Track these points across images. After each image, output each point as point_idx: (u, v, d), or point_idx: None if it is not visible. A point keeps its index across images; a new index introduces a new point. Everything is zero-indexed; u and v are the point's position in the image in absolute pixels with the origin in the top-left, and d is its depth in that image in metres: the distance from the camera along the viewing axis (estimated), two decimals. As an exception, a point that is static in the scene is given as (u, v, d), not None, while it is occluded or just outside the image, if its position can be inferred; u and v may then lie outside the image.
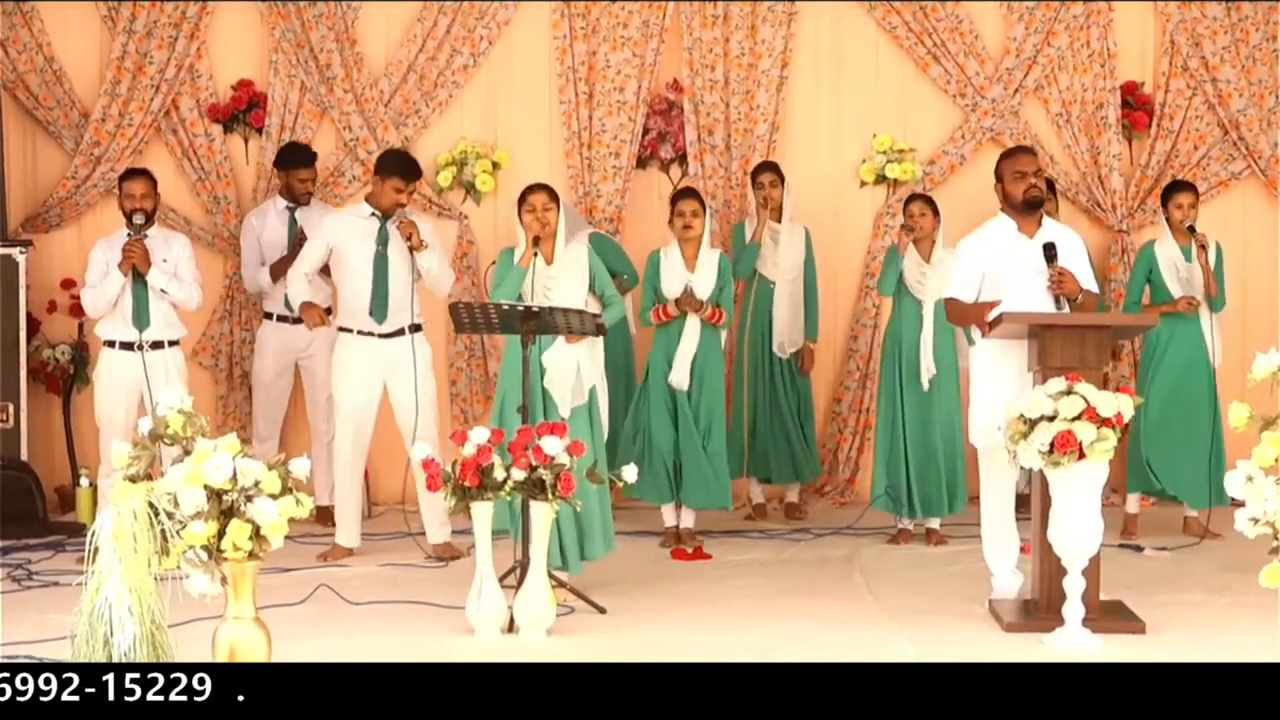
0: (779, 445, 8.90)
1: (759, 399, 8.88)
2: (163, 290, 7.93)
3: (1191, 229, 8.28)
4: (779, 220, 8.91)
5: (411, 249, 7.83)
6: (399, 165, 8.03)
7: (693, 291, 8.14)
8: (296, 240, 8.74)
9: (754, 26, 9.59)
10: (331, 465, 8.62)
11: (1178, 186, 8.53)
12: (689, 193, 8.42)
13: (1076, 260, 6.83)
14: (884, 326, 9.30)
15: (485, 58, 9.61)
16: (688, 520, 8.34)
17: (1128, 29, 9.71)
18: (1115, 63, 9.64)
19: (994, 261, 6.85)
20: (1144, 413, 8.08)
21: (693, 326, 8.17)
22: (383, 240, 7.93)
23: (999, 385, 6.68)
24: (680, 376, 8.13)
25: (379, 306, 7.91)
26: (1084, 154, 9.62)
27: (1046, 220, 6.96)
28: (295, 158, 9.01)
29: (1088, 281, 6.84)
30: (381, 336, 7.95)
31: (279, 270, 8.78)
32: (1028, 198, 6.86)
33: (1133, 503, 8.49)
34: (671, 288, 8.23)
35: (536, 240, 7.19)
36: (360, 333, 7.97)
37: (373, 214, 7.99)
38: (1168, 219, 8.40)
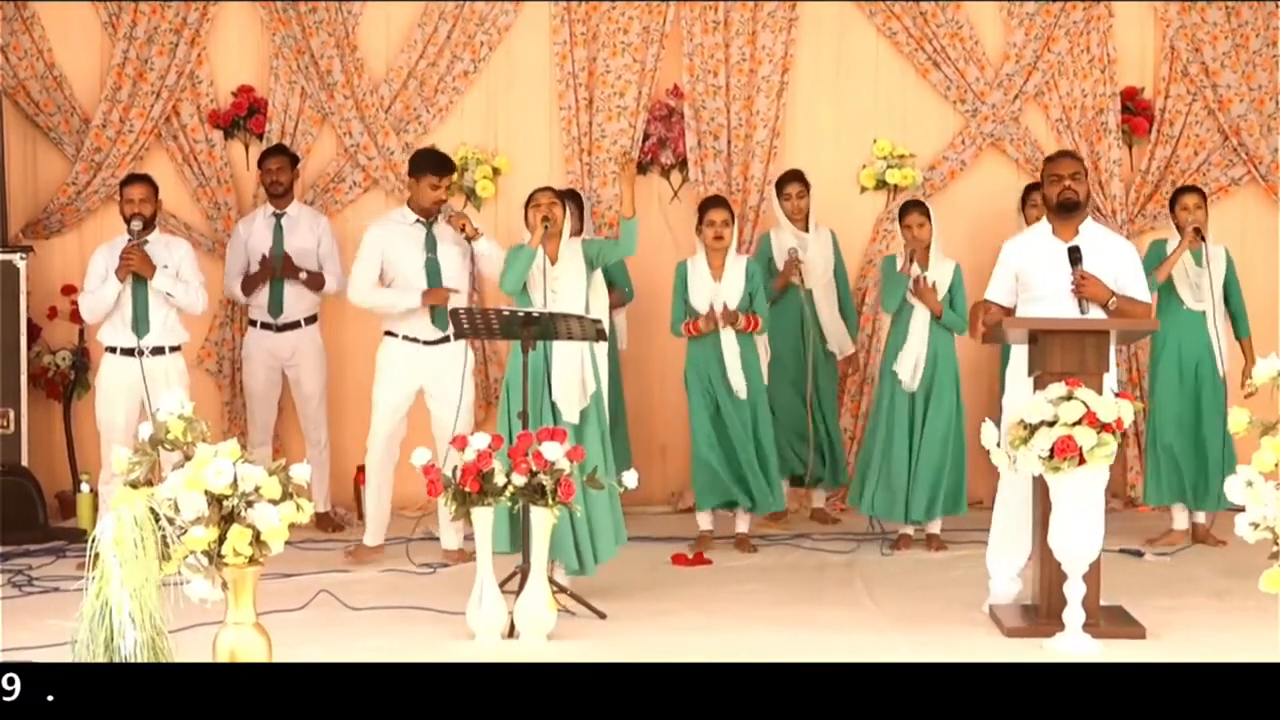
0: (825, 449, 8.96)
1: (815, 406, 8.89)
2: (168, 294, 7.95)
3: (1197, 231, 8.24)
4: (806, 228, 8.92)
5: (469, 239, 7.89)
6: (430, 162, 8.10)
7: (726, 308, 8.18)
8: (263, 261, 8.78)
9: (754, 32, 9.60)
10: (327, 471, 8.69)
11: (1184, 190, 8.54)
12: (719, 202, 8.39)
13: (1120, 267, 6.76)
14: (880, 334, 9.34)
15: (485, 63, 9.62)
16: (743, 525, 8.35)
17: (1128, 34, 9.72)
18: (1115, 68, 9.65)
19: (1025, 264, 6.82)
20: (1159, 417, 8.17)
21: (729, 337, 8.19)
22: (431, 246, 8.00)
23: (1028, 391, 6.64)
24: (739, 384, 8.17)
25: (438, 312, 7.94)
26: (1084, 160, 9.61)
27: (1090, 225, 6.86)
28: (267, 151, 9.11)
29: (1133, 289, 6.75)
30: (426, 343, 7.99)
31: (249, 286, 8.84)
32: (1061, 200, 6.78)
33: (1180, 518, 8.39)
34: (699, 298, 8.25)
35: (545, 220, 7.21)
36: (405, 338, 8.01)
37: (417, 220, 8.04)
38: (1176, 223, 8.37)
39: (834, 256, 9.03)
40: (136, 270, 7.88)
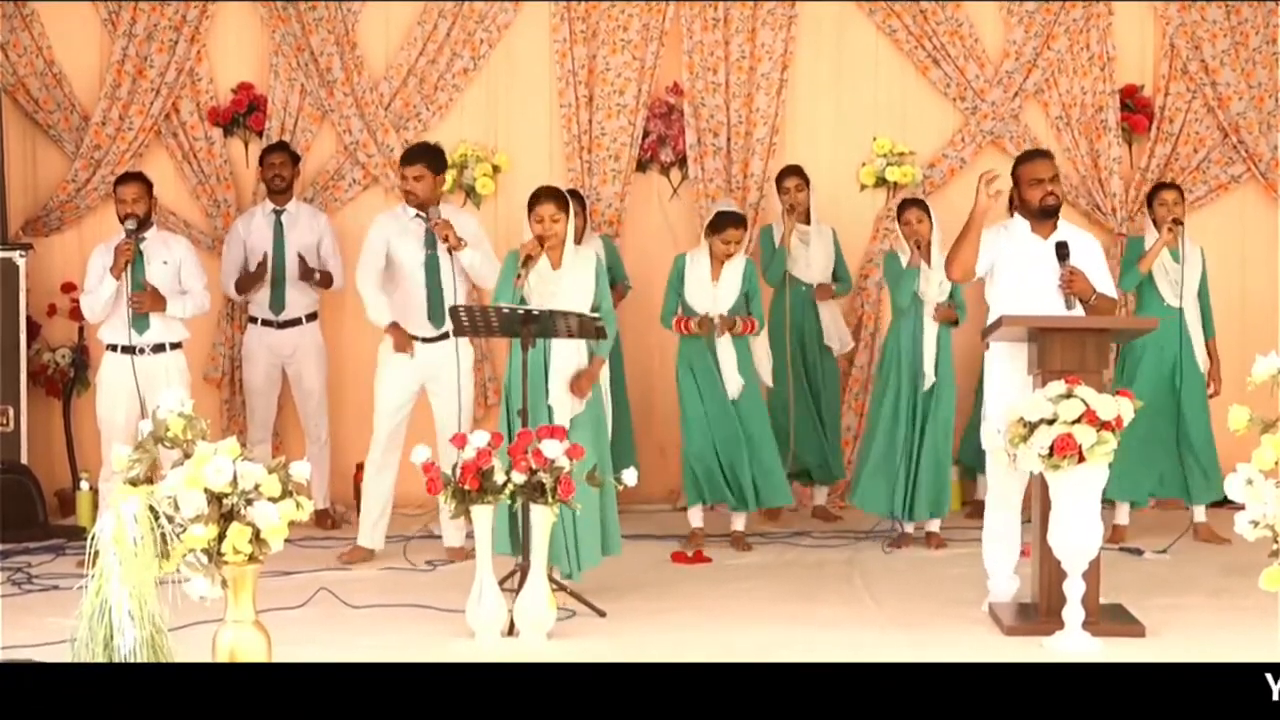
0: (817, 447, 8.95)
1: (800, 403, 8.88)
2: (180, 318, 7.98)
3: (1177, 222, 8.25)
4: (807, 222, 8.92)
5: (450, 250, 7.78)
6: (405, 153, 8.07)
7: (724, 317, 8.18)
8: (259, 264, 8.77)
9: (754, 29, 9.60)
10: (326, 469, 8.67)
11: (1162, 185, 8.62)
12: (740, 221, 8.30)
13: (1092, 262, 6.78)
14: (879, 330, 9.34)
15: (485, 61, 9.62)
16: (739, 524, 8.34)
17: (1127, 32, 9.72)
18: (1115, 66, 9.65)
19: (1005, 254, 6.81)
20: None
21: (725, 340, 8.18)
22: (430, 243, 7.90)
23: (1011, 387, 6.66)
24: (733, 386, 8.17)
25: (435, 311, 7.90)
26: (1084, 157, 9.62)
27: (1062, 222, 6.90)
28: (269, 147, 9.11)
29: (1104, 285, 6.78)
30: (425, 341, 7.93)
31: (244, 286, 8.82)
32: (1043, 206, 6.79)
33: (1122, 513, 8.47)
34: (695, 297, 8.24)
35: (528, 260, 7.07)
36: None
37: (416, 215, 7.95)
38: (1154, 219, 8.42)
39: (835, 253, 9.04)
40: (149, 310, 7.88)
